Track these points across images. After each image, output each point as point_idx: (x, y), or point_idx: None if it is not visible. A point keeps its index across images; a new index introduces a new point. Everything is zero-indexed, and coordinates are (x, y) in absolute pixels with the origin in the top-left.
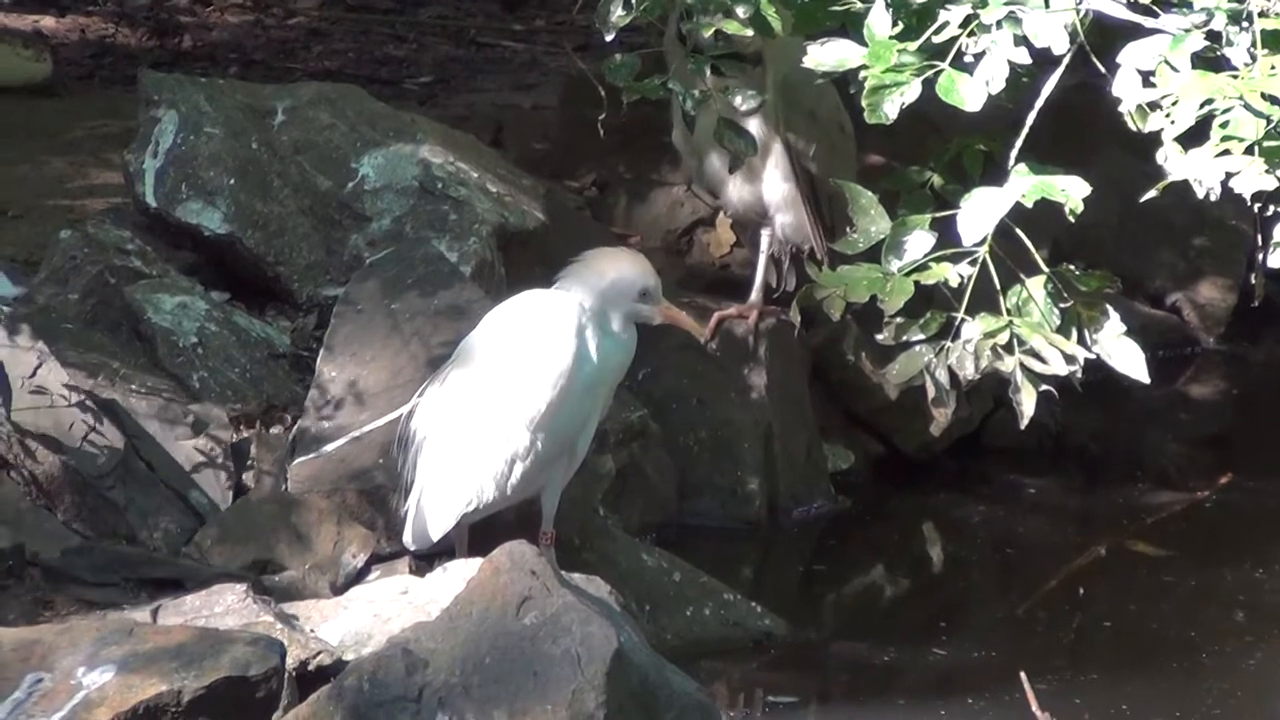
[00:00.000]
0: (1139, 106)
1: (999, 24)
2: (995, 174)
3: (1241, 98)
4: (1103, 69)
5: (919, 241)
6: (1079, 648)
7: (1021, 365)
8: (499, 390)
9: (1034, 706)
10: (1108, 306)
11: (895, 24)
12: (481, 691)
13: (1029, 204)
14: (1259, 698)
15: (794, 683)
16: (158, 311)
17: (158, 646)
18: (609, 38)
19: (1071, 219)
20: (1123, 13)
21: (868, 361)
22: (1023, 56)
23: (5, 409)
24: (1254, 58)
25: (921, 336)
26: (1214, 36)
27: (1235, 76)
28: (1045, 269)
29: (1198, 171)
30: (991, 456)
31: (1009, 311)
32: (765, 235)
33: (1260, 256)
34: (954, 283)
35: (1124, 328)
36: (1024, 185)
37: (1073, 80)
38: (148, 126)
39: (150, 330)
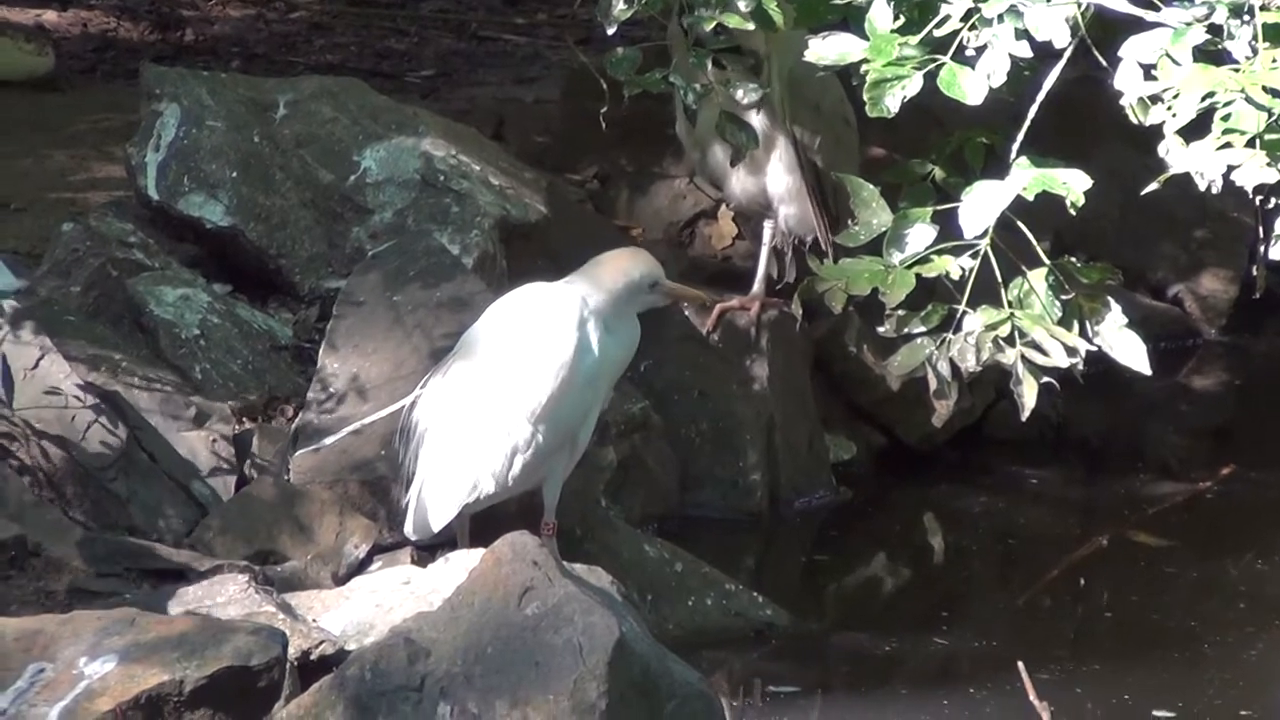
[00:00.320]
0: (1140, 99)
1: (1000, 17)
2: (997, 167)
3: (1243, 91)
4: (1104, 62)
5: (920, 234)
6: (1080, 638)
7: (1023, 357)
8: (501, 382)
9: (1031, 695)
10: (1109, 298)
11: (897, 17)
12: (483, 681)
13: (1030, 197)
14: (1260, 688)
15: (795, 673)
16: (160, 304)
17: (160, 636)
18: (611, 31)
19: (1073, 211)
20: (1124, 6)
21: (869, 353)
22: (1024, 50)
23: (8, 402)
24: (1255, 51)
25: (923, 329)
26: (1215, 30)
27: (1236, 70)
28: (1047, 261)
29: (1199, 164)
30: (993, 448)
31: (1010, 304)
32: (768, 227)
33: (1261, 248)
34: (955, 275)
35: (1125, 320)
36: (1025, 178)
37: (1074, 73)
38: (150, 120)
39: (152, 322)
